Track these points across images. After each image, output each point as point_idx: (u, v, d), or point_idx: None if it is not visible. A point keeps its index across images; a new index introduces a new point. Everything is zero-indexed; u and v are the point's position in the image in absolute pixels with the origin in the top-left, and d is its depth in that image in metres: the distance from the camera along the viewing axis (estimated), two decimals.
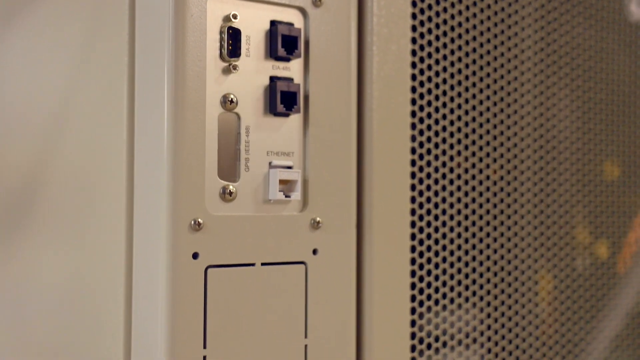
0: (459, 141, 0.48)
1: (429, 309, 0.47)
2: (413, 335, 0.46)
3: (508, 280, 0.51)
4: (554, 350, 0.55)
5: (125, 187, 0.39)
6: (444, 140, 0.48)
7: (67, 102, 0.45)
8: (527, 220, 0.53)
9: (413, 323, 0.46)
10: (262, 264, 0.39)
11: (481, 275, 0.50)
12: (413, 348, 0.46)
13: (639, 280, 0.61)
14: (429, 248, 0.47)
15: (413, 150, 0.46)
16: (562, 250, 0.56)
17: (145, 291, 0.38)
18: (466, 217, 0.49)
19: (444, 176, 0.48)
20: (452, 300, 0.48)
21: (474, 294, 0.49)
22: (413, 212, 0.46)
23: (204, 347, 0.38)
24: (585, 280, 0.57)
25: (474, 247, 0.49)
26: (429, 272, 0.47)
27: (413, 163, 0.46)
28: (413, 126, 0.46)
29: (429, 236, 0.47)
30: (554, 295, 0.55)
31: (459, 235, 0.48)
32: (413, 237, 0.46)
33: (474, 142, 0.49)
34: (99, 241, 0.42)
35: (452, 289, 0.48)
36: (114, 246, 0.40)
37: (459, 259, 0.48)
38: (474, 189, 0.49)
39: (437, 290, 0.47)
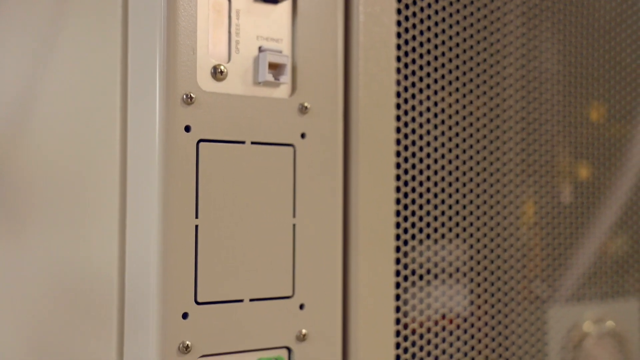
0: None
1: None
2: (397, 237, 0.47)
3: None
4: (537, 277, 0.56)
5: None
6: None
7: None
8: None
9: (398, 221, 0.47)
10: (252, 143, 0.41)
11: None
12: (398, 248, 0.47)
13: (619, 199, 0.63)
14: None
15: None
16: (543, 178, 0.57)
17: (139, 170, 0.40)
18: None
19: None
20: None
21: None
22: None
23: (196, 217, 0.39)
24: (565, 208, 0.59)
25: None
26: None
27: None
28: (399, 35, 0.47)
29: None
30: (536, 224, 0.57)
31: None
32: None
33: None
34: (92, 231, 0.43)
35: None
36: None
37: (443, 190, 0.50)
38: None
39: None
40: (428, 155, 0.49)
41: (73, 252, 0.45)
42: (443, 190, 0.49)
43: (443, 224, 0.49)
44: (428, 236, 0.49)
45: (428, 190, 0.49)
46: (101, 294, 0.42)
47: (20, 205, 0.52)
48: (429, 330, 0.49)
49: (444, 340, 0.50)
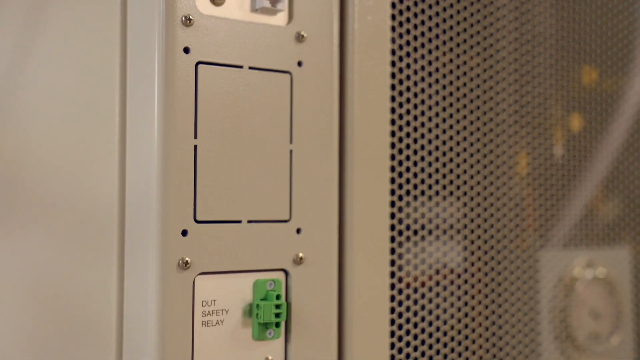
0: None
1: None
2: (392, 181, 0.48)
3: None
4: (530, 227, 0.57)
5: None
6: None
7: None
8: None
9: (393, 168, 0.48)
10: (250, 68, 0.42)
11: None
12: (392, 203, 0.48)
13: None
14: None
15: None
16: (535, 130, 0.58)
17: (139, 90, 0.40)
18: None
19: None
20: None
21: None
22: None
23: (195, 137, 0.40)
24: (558, 159, 0.60)
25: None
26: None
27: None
28: None
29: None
30: (529, 174, 0.58)
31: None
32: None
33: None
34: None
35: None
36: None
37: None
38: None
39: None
40: (422, 91, 0.50)
41: (74, 178, 0.46)
42: (437, 136, 0.50)
43: (437, 181, 0.50)
44: (423, 193, 0.50)
45: (422, 135, 0.49)
46: (101, 220, 0.43)
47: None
48: (423, 274, 0.50)
49: (437, 284, 0.51)
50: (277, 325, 0.42)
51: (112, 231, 0.42)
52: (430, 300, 0.50)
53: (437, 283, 0.50)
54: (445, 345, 0.50)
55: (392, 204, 0.47)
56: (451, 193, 0.51)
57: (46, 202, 0.48)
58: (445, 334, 0.50)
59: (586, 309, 0.61)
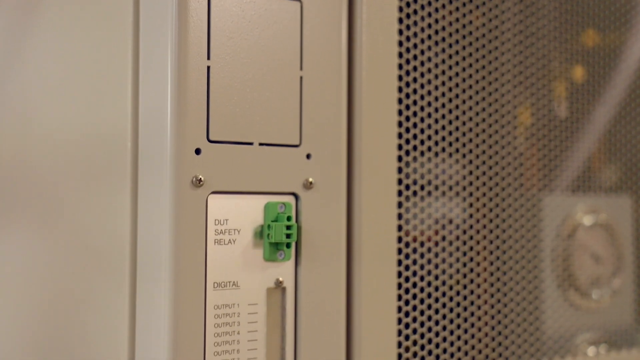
0: None
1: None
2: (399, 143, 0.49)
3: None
4: (534, 177, 0.58)
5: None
6: None
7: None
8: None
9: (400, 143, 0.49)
10: None
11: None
12: (400, 157, 0.49)
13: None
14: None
15: None
16: (540, 81, 0.59)
17: (151, 13, 0.41)
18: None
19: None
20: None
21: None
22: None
23: (208, 58, 0.41)
24: (561, 113, 0.61)
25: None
26: (415, 113, 0.50)
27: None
28: None
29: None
30: (533, 125, 0.59)
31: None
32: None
33: None
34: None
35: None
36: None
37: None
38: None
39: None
40: (429, 49, 0.50)
41: (86, 110, 0.47)
42: (443, 94, 0.51)
43: (443, 138, 0.51)
44: (429, 149, 0.50)
45: (429, 92, 0.50)
46: (115, 145, 0.44)
47: None
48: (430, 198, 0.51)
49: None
50: (288, 246, 0.43)
51: (125, 156, 0.43)
52: (436, 244, 0.51)
53: (443, 238, 0.51)
54: (451, 287, 0.51)
55: (399, 158, 0.48)
56: (457, 150, 0.52)
57: (58, 128, 0.49)
58: (450, 277, 0.51)
59: (588, 253, 0.62)
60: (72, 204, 0.48)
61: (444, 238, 0.51)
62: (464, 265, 0.52)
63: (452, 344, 0.51)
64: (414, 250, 0.49)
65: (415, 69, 0.49)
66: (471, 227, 0.53)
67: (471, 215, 0.53)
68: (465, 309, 0.52)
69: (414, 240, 0.49)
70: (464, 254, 0.52)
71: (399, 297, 0.48)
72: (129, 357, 0.42)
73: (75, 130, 0.48)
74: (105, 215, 0.45)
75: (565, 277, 0.59)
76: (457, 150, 0.52)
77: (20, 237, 0.54)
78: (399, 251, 0.48)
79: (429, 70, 0.50)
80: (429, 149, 0.50)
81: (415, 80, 0.49)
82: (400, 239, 0.48)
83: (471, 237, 0.53)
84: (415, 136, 0.49)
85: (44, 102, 0.51)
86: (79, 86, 0.48)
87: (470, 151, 0.53)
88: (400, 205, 0.48)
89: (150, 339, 0.41)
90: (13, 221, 0.56)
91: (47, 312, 0.51)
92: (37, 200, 0.53)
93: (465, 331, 0.52)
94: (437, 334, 0.50)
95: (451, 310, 0.51)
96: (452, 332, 0.51)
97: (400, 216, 0.48)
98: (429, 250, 0.50)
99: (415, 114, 0.49)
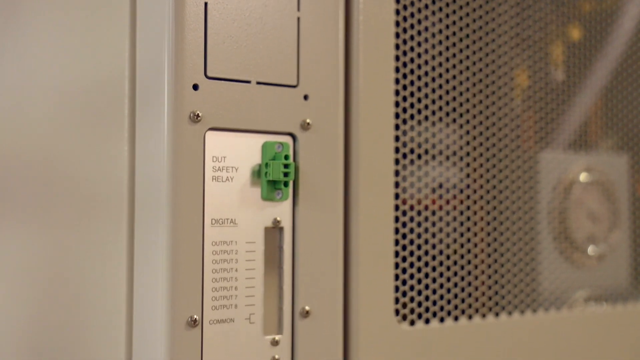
0: None
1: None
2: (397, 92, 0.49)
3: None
4: (531, 137, 0.58)
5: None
6: None
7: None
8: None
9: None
10: None
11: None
12: (397, 115, 0.49)
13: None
14: (412, 60, 0.50)
15: None
16: (537, 43, 0.59)
17: None
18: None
19: None
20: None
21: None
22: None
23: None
24: (557, 71, 0.61)
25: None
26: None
27: None
28: None
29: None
30: (530, 87, 0.59)
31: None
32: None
33: None
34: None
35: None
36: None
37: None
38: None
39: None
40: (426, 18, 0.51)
41: (83, 55, 0.47)
42: (440, 64, 0.51)
43: (440, 97, 0.51)
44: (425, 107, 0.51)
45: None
46: (113, 89, 0.44)
47: None
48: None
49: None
50: (286, 185, 0.43)
51: (122, 100, 0.43)
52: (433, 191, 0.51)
53: (440, 185, 0.51)
54: (448, 246, 0.51)
55: (397, 127, 0.48)
56: (454, 109, 0.52)
57: (55, 76, 0.49)
58: (448, 235, 0.52)
59: (584, 211, 0.62)
60: (69, 154, 0.48)
61: (441, 185, 0.51)
62: (462, 213, 0.52)
63: (448, 290, 0.51)
64: (411, 196, 0.50)
65: (412, 15, 0.50)
66: (469, 181, 0.53)
67: (468, 175, 0.53)
68: (462, 256, 0.52)
69: (411, 199, 0.50)
70: (461, 202, 0.52)
71: (396, 242, 0.48)
72: (128, 300, 0.42)
73: (72, 76, 0.48)
74: (104, 161, 0.45)
75: (561, 232, 0.60)
76: (454, 110, 0.52)
77: (19, 197, 0.54)
78: (396, 196, 0.48)
79: (426, 40, 0.50)
80: (426, 96, 0.50)
81: (412, 26, 0.49)
82: (397, 183, 0.49)
83: (469, 186, 0.53)
84: (412, 95, 0.49)
85: (40, 46, 0.51)
86: (76, 30, 0.48)
87: (468, 111, 0.53)
88: (397, 138, 0.48)
89: (149, 276, 0.41)
90: (10, 176, 0.56)
91: (47, 264, 0.51)
92: (35, 153, 0.53)
93: (462, 279, 0.52)
94: (434, 280, 0.50)
95: (448, 257, 0.51)
96: (449, 279, 0.51)
97: (397, 161, 0.49)
98: (427, 207, 0.50)
99: (412, 60, 0.49)
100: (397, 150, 0.48)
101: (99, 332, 0.45)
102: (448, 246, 0.51)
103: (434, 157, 0.51)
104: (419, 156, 0.50)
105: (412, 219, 0.49)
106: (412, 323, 0.49)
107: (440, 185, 0.51)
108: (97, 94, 0.46)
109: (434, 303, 0.50)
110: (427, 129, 0.51)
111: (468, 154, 0.53)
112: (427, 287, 0.50)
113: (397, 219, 0.48)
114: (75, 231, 0.48)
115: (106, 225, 0.45)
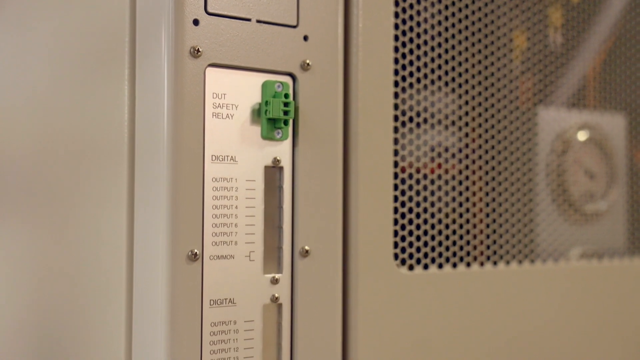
0: None
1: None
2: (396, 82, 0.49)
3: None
4: (529, 99, 0.58)
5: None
6: None
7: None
8: None
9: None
10: None
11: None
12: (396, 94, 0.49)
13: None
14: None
15: None
16: (536, 5, 0.59)
17: None
18: None
19: None
20: (432, 82, 0.51)
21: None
22: None
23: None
24: (556, 32, 0.61)
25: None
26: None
27: None
28: None
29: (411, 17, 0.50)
30: (529, 49, 0.59)
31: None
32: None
33: None
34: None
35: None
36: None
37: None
38: None
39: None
40: None
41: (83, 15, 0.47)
42: (440, 33, 0.51)
43: (440, 66, 0.51)
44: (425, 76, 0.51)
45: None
46: (113, 36, 0.44)
47: None
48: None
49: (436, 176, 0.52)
50: (285, 123, 0.43)
51: (122, 46, 0.43)
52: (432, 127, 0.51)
53: (439, 143, 0.52)
54: (446, 182, 0.52)
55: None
56: (453, 68, 0.52)
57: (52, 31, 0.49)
58: (447, 182, 0.52)
59: (582, 168, 0.63)
60: (69, 102, 0.49)
61: (441, 125, 0.51)
62: (460, 172, 0.52)
63: (447, 237, 0.51)
64: (411, 130, 0.50)
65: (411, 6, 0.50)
66: (467, 141, 0.53)
67: (467, 135, 0.53)
68: (461, 204, 0.52)
69: (410, 119, 0.50)
70: (460, 161, 0.52)
71: (395, 187, 0.49)
72: (128, 249, 0.43)
73: (72, 18, 0.48)
74: (104, 104, 0.45)
75: (559, 189, 0.60)
76: (453, 69, 0.52)
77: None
78: (395, 140, 0.49)
79: (425, 8, 0.50)
80: (425, 87, 0.51)
81: (412, 18, 0.50)
82: (396, 117, 0.49)
83: (468, 145, 0.53)
84: (411, 41, 0.49)
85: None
86: None
87: (467, 70, 0.53)
88: (396, 84, 0.49)
89: (150, 214, 0.41)
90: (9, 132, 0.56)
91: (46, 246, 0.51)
92: (35, 107, 0.53)
93: (461, 226, 0.52)
94: (432, 226, 0.51)
95: (447, 204, 0.51)
96: (447, 226, 0.51)
97: (396, 95, 0.49)
98: (426, 129, 0.51)
99: (411, 14, 0.49)
100: (396, 84, 0.48)
101: (97, 311, 0.45)
102: (447, 193, 0.52)
103: (432, 82, 0.51)
104: (424, 84, 0.50)
105: (411, 165, 0.50)
106: (411, 268, 0.49)
107: (442, 137, 0.52)
108: (98, 34, 0.46)
109: (433, 249, 0.50)
110: (426, 59, 0.51)
111: (467, 113, 0.53)
112: (425, 232, 0.50)
113: (396, 164, 0.48)
114: (75, 183, 0.48)
115: (106, 171, 0.45)
